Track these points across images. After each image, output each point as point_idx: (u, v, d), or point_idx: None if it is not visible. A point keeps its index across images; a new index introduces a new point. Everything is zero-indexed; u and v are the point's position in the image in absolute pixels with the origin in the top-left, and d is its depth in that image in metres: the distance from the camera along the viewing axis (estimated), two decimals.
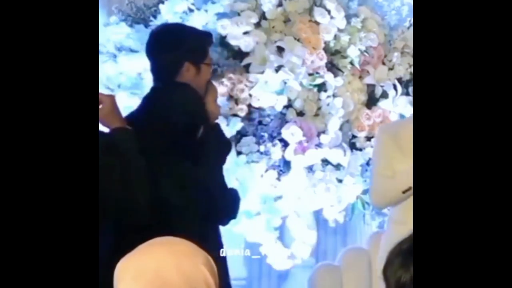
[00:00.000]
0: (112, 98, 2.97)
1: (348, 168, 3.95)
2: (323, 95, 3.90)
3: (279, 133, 3.81)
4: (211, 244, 3.04)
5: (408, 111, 4.06)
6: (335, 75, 3.95)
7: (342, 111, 3.92)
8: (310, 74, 3.88)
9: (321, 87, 3.91)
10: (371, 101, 4.08)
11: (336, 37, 3.96)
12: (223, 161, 3.24)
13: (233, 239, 3.62)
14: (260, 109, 3.81)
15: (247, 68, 3.83)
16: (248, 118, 3.81)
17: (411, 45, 4.11)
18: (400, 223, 3.33)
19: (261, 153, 3.80)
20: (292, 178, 3.83)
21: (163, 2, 3.91)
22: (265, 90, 3.78)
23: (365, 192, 3.98)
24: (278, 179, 3.85)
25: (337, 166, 3.92)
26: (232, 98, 3.79)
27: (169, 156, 3.04)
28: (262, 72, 3.80)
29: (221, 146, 3.22)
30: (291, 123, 3.81)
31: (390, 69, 4.11)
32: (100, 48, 3.76)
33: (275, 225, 3.88)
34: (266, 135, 3.80)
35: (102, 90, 3.68)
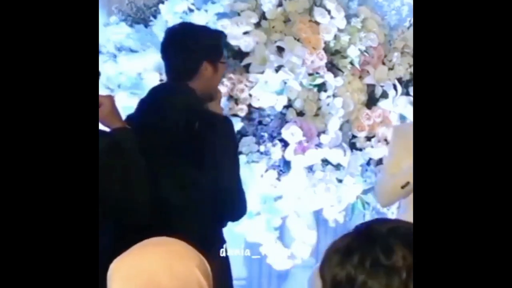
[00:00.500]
0: (111, 98, 2.97)
1: (348, 168, 3.95)
2: (323, 95, 3.90)
3: (279, 133, 3.81)
4: (213, 245, 3.05)
5: (408, 111, 4.06)
6: (335, 75, 3.95)
7: (342, 111, 3.92)
8: (310, 74, 3.88)
9: (321, 87, 3.91)
10: (371, 101, 4.08)
11: (336, 37, 3.96)
12: (232, 160, 3.21)
13: (233, 239, 3.62)
14: (260, 109, 3.81)
15: (247, 68, 3.83)
16: (248, 118, 3.81)
17: (411, 45, 4.11)
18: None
19: (261, 153, 3.81)
20: (292, 178, 3.83)
21: (163, 2, 3.91)
22: (265, 90, 3.78)
23: (365, 192, 3.98)
24: (278, 179, 3.85)
25: (337, 166, 3.92)
26: (232, 98, 3.79)
27: (168, 156, 3.04)
28: (262, 72, 3.80)
29: (227, 145, 3.20)
30: (291, 123, 3.81)
31: (390, 69, 4.11)
32: (100, 48, 3.76)
33: (275, 225, 3.88)
34: (266, 135, 3.80)
35: (102, 90, 3.69)
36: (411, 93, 4.09)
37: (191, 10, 3.88)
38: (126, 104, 3.48)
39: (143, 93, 3.38)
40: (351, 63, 4.00)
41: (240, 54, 3.84)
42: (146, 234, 1.91)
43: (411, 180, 3.23)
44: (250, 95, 3.80)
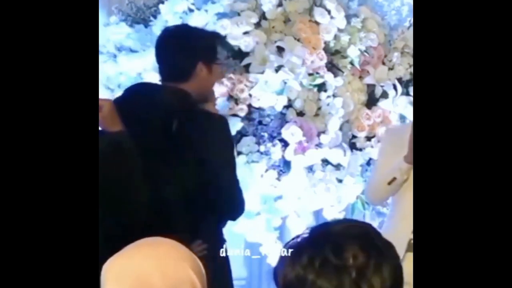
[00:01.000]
0: (110, 102, 2.97)
1: (348, 168, 3.95)
2: (323, 95, 3.90)
3: (279, 133, 3.81)
4: (212, 245, 3.05)
5: (408, 111, 4.06)
6: (335, 75, 3.95)
7: (342, 111, 3.92)
8: (310, 74, 3.88)
9: (321, 87, 3.91)
10: (371, 101, 4.08)
11: (336, 37, 3.95)
12: (227, 159, 3.21)
13: (233, 239, 3.62)
14: (260, 109, 3.81)
15: (247, 68, 3.83)
16: (248, 118, 3.81)
17: (411, 45, 4.10)
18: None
19: (261, 153, 3.80)
20: (292, 178, 3.83)
21: (163, 2, 3.91)
22: (265, 90, 3.78)
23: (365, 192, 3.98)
24: (278, 179, 3.85)
25: (337, 166, 3.92)
26: (232, 98, 3.79)
27: (164, 156, 3.04)
28: (262, 72, 3.80)
29: (222, 144, 3.20)
30: (291, 123, 3.80)
31: (390, 69, 4.11)
32: (100, 48, 3.76)
33: (275, 225, 3.88)
34: (266, 135, 3.80)
35: (102, 90, 3.69)
36: (411, 93, 4.09)
37: (191, 10, 3.88)
38: None
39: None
40: (351, 63, 4.00)
41: (240, 54, 3.84)
42: (142, 234, 1.91)
43: (398, 176, 3.27)
44: (250, 95, 3.80)
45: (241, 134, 3.81)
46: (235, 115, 3.78)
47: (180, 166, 3.06)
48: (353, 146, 4.02)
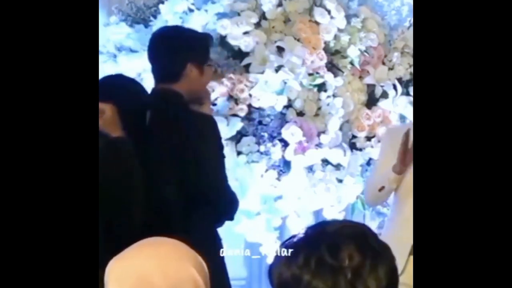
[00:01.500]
0: (111, 106, 2.97)
1: (348, 168, 3.95)
2: (323, 95, 3.90)
3: (279, 133, 3.81)
4: (209, 245, 3.05)
5: (408, 111, 4.06)
6: (335, 75, 3.95)
7: (342, 111, 3.92)
8: (310, 74, 3.88)
9: (321, 87, 3.91)
10: (371, 101, 4.08)
11: (336, 37, 3.95)
12: (215, 159, 3.20)
13: (233, 239, 3.62)
14: (260, 109, 3.81)
15: (247, 68, 3.83)
16: (248, 118, 3.81)
17: (411, 45, 4.10)
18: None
19: (261, 153, 3.80)
20: (292, 178, 3.83)
21: (163, 2, 3.91)
22: (265, 90, 3.78)
23: None
24: (278, 179, 3.85)
25: (337, 166, 3.92)
26: (232, 98, 3.79)
27: (161, 157, 3.05)
28: (262, 72, 3.80)
29: (209, 143, 3.20)
30: (291, 123, 3.81)
31: (390, 69, 4.11)
32: (100, 48, 3.76)
33: (275, 225, 3.88)
34: (266, 135, 3.80)
35: None
36: (411, 93, 4.09)
37: (191, 10, 3.88)
38: None
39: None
40: (351, 63, 4.00)
41: (240, 54, 3.84)
42: (143, 235, 1.91)
43: (386, 185, 3.26)
44: (250, 95, 3.80)
45: (241, 134, 3.81)
46: (235, 115, 3.78)
47: (173, 166, 3.08)
48: (353, 146, 4.02)
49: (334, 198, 3.92)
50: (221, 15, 3.86)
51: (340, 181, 3.95)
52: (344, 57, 4.00)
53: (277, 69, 3.81)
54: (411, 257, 3.11)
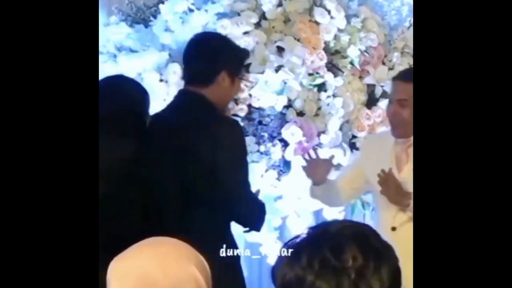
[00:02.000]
0: None
1: None
2: (323, 95, 3.90)
3: (279, 133, 3.81)
4: (216, 247, 3.07)
5: None
6: (335, 75, 3.95)
7: (342, 111, 3.92)
8: (310, 74, 3.88)
9: (321, 87, 3.91)
10: (371, 101, 4.08)
11: (336, 37, 3.96)
12: (238, 164, 3.21)
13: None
14: (260, 109, 3.81)
15: (247, 68, 3.83)
16: (248, 118, 3.81)
17: (411, 45, 4.11)
18: None
19: (261, 153, 3.80)
20: (292, 178, 3.83)
21: (163, 2, 3.91)
22: (265, 90, 3.78)
23: (365, 192, 3.98)
24: (278, 179, 3.85)
25: (337, 166, 3.92)
26: None
27: (175, 158, 3.06)
28: (262, 72, 3.80)
29: (238, 149, 3.21)
30: (291, 123, 3.81)
31: (390, 69, 4.11)
32: (100, 48, 3.76)
33: (275, 225, 3.88)
34: (266, 135, 3.80)
35: None
36: None
37: (191, 10, 3.88)
38: None
39: None
40: (351, 63, 4.00)
41: None
42: (146, 235, 1.91)
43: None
44: (250, 95, 3.80)
45: None
46: (235, 115, 3.78)
47: (192, 169, 3.08)
48: (353, 146, 4.02)
49: None
50: (221, 15, 3.86)
51: None
52: (344, 57, 4.00)
53: (277, 69, 3.81)
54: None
